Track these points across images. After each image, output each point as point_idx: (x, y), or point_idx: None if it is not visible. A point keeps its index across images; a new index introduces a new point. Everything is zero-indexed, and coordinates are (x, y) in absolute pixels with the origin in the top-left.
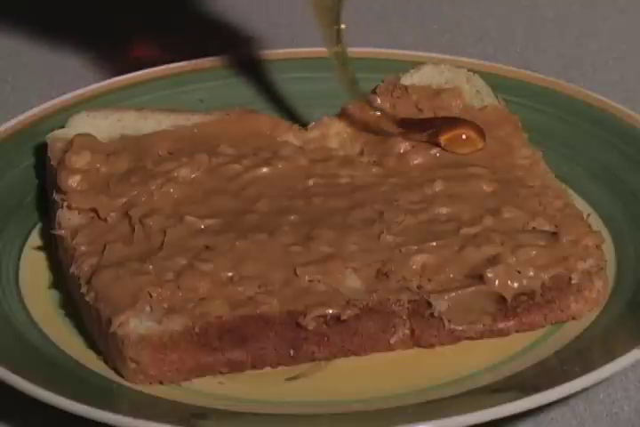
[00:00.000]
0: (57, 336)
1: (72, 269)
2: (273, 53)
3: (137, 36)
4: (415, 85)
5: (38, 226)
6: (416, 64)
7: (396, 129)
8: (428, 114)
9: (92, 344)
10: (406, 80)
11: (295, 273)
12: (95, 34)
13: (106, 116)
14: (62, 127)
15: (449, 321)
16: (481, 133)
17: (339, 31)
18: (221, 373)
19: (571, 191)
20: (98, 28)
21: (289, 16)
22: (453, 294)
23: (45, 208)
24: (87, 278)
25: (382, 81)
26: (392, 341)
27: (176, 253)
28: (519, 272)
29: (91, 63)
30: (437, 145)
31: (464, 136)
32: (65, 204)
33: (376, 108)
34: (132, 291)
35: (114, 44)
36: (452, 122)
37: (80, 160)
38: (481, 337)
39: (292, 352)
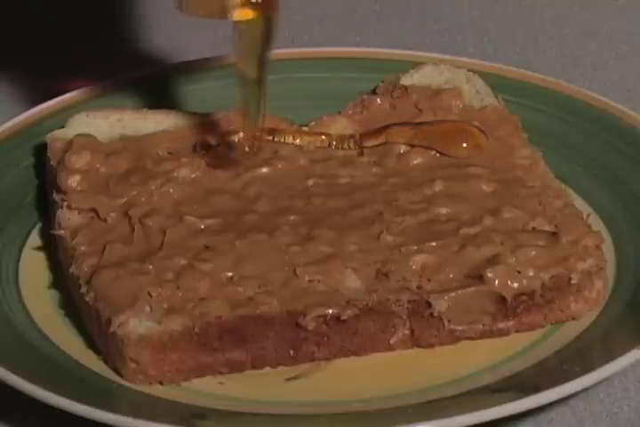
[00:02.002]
0: (57, 336)
1: (72, 269)
2: (273, 53)
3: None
4: (415, 85)
5: (38, 226)
6: (416, 64)
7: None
8: (427, 114)
9: (91, 344)
10: (406, 80)
11: (295, 273)
12: (95, 34)
13: (106, 116)
14: (62, 127)
15: (449, 321)
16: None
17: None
18: (221, 373)
19: (571, 191)
20: (98, 29)
21: (289, 16)
22: (453, 294)
23: (45, 208)
24: (87, 278)
25: (382, 81)
26: (392, 341)
27: (176, 253)
28: (519, 272)
29: (91, 63)
30: None
31: None
32: (65, 204)
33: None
34: (132, 291)
35: (114, 44)
36: None
37: (80, 160)
38: (481, 337)
39: (291, 352)
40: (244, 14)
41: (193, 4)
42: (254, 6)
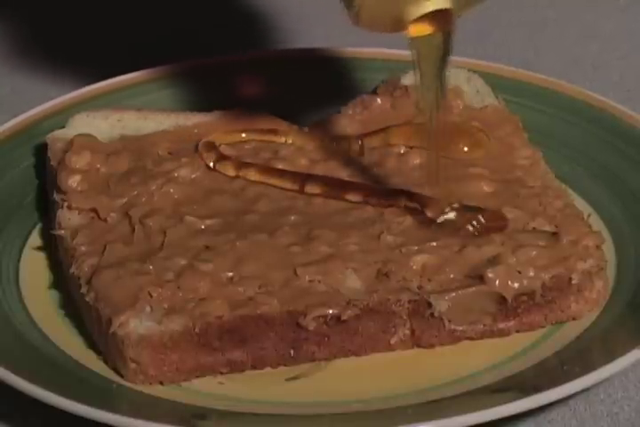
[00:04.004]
0: (57, 336)
1: (72, 270)
2: (273, 53)
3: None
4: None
5: (38, 226)
6: None
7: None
8: None
9: (91, 344)
10: (406, 80)
11: (295, 273)
12: (95, 34)
13: (106, 116)
14: (62, 127)
15: (449, 321)
16: None
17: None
18: (221, 373)
19: (571, 191)
20: (97, 29)
21: (289, 16)
22: (453, 294)
23: (45, 208)
24: (87, 279)
25: (382, 81)
26: (392, 341)
27: (176, 254)
28: (519, 272)
29: (91, 63)
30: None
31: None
32: (65, 204)
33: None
34: (132, 291)
35: (114, 44)
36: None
37: (80, 160)
38: (481, 337)
39: (292, 352)
40: (420, 29)
41: (368, 17)
42: (431, 21)
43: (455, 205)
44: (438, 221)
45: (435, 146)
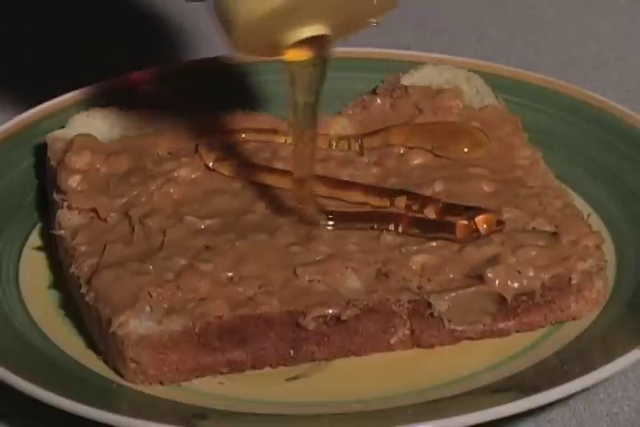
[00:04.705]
0: (57, 336)
1: (72, 270)
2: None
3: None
4: (415, 85)
5: (38, 226)
6: (416, 64)
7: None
8: (427, 114)
9: (91, 344)
10: (406, 80)
11: (295, 273)
12: (95, 34)
13: (106, 116)
14: (62, 127)
15: (449, 321)
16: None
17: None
18: (221, 373)
19: (571, 191)
20: (98, 29)
21: None
22: (453, 294)
23: (45, 208)
24: (87, 279)
25: (382, 81)
26: (392, 341)
27: (176, 254)
28: (519, 272)
29: (91, 63)
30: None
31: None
32: (65, 204)
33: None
34: (132, 291)
35: (114, 44)
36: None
37: (80, 160)
38: (481, 337)
39: (291, 352)
40: (297, 55)
41: (246, 42)
42: (308, 46)
43: (330, 216)
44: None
45: (308, 168)
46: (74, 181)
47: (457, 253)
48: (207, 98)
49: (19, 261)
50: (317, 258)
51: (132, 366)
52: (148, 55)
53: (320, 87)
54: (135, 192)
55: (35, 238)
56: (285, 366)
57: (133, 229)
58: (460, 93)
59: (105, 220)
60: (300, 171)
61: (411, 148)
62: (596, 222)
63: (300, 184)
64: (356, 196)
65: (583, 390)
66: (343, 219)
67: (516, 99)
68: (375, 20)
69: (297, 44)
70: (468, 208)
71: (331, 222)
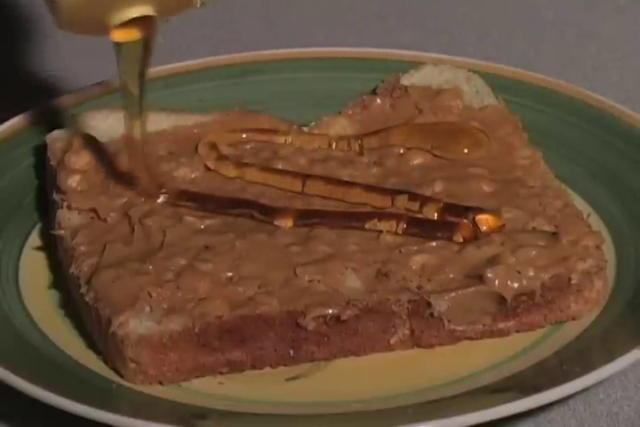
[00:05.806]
0: (57, 336)
1: (72, 270)
2: (273, 53)
3: None
4: (415, 85)
5: (38, 226)
6: (416, 64)
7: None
8: (427, 114)
9: (91, 344)
10: (406, 80)
11: (295, 273)
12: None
13: (106, 116)
14: (62, 127)
15: (449, 321)
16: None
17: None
18: (221, 373)
19: (571, 191)
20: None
21: (289, 16)
22: (453, 294)
23: (45, 208)
24: (87, 278)
25: (382, 81)
26: (392, 341)
27: (176, 254)
28: (519, 272)
29: (91, 63)
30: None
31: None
32: (65, 204)
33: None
34: (132, 291)
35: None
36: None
37: (80, 160)
38: (481, 337)
39: (291, 352)
40: (123, 35)
41: (71, 21)
42: (134, 26)
43: (164, 190)
44: (159, 202)
45: (139, 153)
46: (73, 181)
47: (457, 253)
48: (207, 98)
49: (18, 260)
50: (317, 258)
51: (132, 366)
52: None
53: (145, 68)
54: (135, 192)
55: (34, 238)
56: (285, 366)
57: (133, 229)
58: (459, 93)
59: (105, 220)
60: (132, 150)
61: (410, 148)
62: (595, 222)
63: (132, 153)
64: (356, 196)
65: (583, 390)
66: (178, 197)
67: (516, 99)
68: (199, 1)
69: (123, 24)
70: (467, 208)
71: (163, 197)
